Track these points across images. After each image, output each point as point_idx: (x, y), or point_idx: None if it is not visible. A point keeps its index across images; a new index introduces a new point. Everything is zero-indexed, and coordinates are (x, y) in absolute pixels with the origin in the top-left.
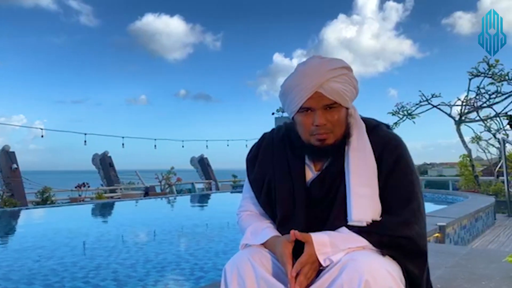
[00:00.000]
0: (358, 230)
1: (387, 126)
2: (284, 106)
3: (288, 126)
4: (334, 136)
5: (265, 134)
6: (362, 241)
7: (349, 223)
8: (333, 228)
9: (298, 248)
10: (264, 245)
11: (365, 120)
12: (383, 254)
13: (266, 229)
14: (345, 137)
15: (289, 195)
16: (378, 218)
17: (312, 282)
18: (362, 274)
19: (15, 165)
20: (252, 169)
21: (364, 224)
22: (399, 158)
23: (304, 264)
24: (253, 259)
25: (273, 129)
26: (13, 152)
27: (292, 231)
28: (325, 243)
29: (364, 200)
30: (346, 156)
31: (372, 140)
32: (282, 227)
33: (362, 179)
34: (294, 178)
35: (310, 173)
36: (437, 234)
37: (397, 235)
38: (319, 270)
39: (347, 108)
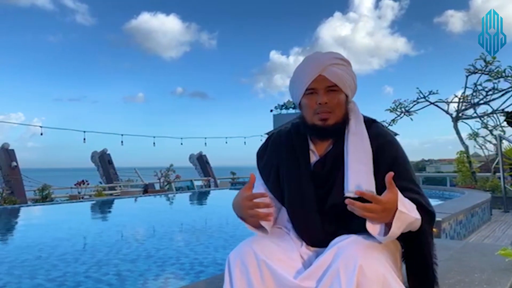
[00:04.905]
0: (412, 199)
1: (382, 125)
2: (293, 94)
3: (295, 124)
4: (335, 117)
5: (274, 132)
6: (417, 214)
7: (346, 194)
8: (335, 202)
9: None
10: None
11: (364, 116)
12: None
13: None
14: (345, 122)
15: (295, 177)
16: (373, 190)
17: (307, 265)
18: (357, 260)
19: (14, 163)
20: (262, 158)
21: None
22: (397, 151)
23: (381, 202)
24: (255, 247)
25: (280, 128)
26: (13, 150)
27: (251, 174)
28: (403, 202)
29: (359, 175)
30: (346, 139)
31: (369, 131)
32: (291, 207)
33: (359, 158)
34: (300, 162)
35: (314, 158)
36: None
37: (431, 211)
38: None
39: (346, 96)
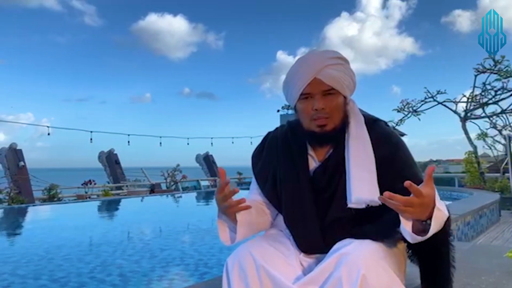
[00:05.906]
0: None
1: (385, 123)
2: (287, 97)
3: (291, 123)
4: (333, 122)
5: (269, 132)
6: (447, 212)
7: (349, 205)
8: (337, 212)
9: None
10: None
11: (365, 115)
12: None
13: None
14: (344, 125)
15: (294, 184)
16: (376, 200)
17: (307, 272)
18: (360, 268)
19: (22, 163)
20: (257, 163)
21: (363, 205)
22: (404, 154)
23: (422, 196)
24: (254, 251)
25: (277, 128)
26: (20, 150)
27: (220, 168)
28: (438, 199)
29: (362, 183)
30: (346, 144)
31: (371, 134)
32: (289, 215)
33: (361, 165)
34: (298, 168)
35: (313, 163)
36: None
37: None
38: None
39: (345, 97)
